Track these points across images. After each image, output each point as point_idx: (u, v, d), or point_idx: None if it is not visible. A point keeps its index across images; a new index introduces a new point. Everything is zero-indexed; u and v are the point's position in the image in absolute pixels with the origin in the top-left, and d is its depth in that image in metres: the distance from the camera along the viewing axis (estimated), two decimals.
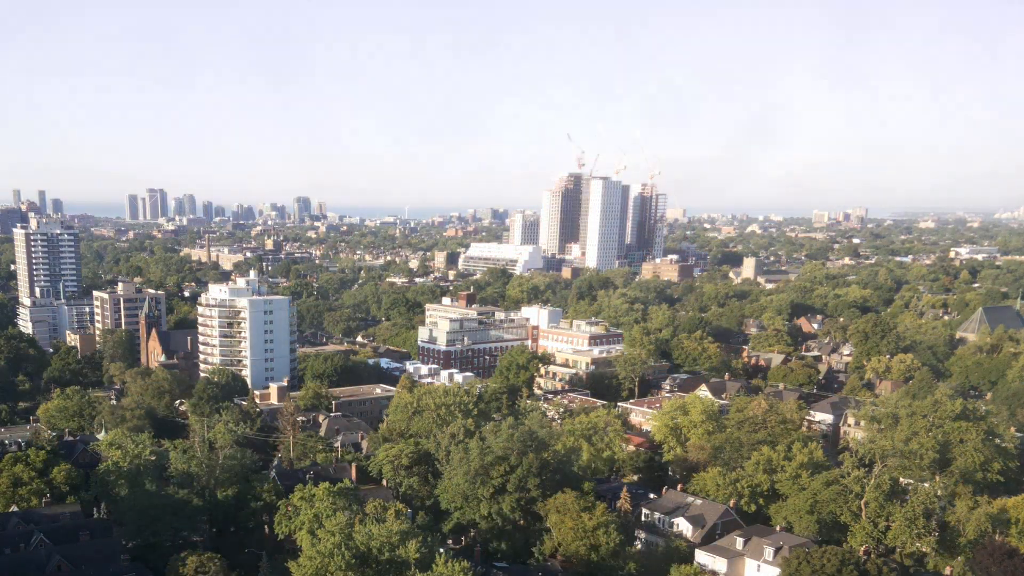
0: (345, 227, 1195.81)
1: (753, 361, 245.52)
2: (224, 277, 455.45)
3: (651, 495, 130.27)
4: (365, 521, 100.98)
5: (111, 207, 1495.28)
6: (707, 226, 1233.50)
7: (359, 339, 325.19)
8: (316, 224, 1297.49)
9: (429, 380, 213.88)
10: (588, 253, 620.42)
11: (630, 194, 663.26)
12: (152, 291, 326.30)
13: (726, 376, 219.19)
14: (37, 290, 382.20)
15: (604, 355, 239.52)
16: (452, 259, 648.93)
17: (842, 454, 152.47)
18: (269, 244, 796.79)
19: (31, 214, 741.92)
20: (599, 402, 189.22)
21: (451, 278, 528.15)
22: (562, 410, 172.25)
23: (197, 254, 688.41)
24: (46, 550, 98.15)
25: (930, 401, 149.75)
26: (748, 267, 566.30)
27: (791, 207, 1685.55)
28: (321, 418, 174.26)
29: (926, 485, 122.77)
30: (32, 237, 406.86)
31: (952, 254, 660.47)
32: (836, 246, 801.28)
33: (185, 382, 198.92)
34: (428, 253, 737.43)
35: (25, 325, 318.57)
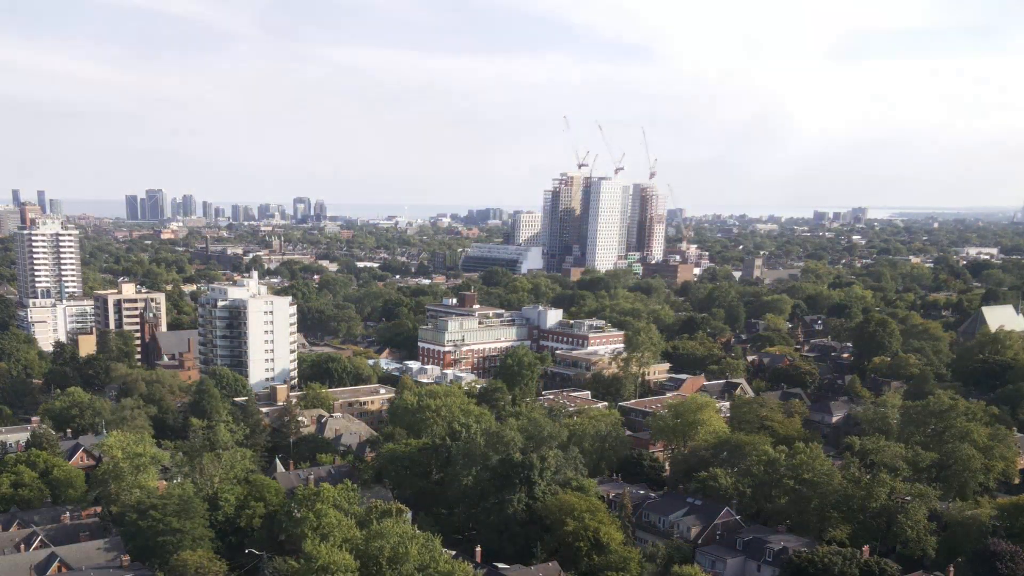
0: (345, 227, 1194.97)
1: (754, 361, 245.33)
2: (224, 277, 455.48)
3: (652, 495, 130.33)
4: (366, 522, 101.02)
5: (110, 207, 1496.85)
6: (707, 225, 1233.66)
7: (359, 339, 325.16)
8: (316, 224, 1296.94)
9: (429, 380, 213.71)
10: (588, 253, 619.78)
11: (630, 194, 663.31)
12: (152, 291, 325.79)
13: (727, 376, 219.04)
14: (37, 290, 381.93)
15: (604, 355, 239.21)
16: (452, 259, 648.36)
17: (843, 454, 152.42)
18: (269, 244, 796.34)
19: (30, 214, 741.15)
20: (600, 402, 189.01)
21: (451, 278, 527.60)
22: (562, 410, 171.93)
23: (196, 254, 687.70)
24: (46, 550, 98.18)
25: (930, 402, 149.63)
26: (749, 267, 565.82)
27: (792, 207, 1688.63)
28: (322, 419, 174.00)
29: (927, 485, 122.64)
30: (32, 237, 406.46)
31: (953, 254, 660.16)
32: (837, 246, 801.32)
33: (185, 382, 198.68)
34: (428, 253, 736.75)
35: (25, 325, 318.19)
